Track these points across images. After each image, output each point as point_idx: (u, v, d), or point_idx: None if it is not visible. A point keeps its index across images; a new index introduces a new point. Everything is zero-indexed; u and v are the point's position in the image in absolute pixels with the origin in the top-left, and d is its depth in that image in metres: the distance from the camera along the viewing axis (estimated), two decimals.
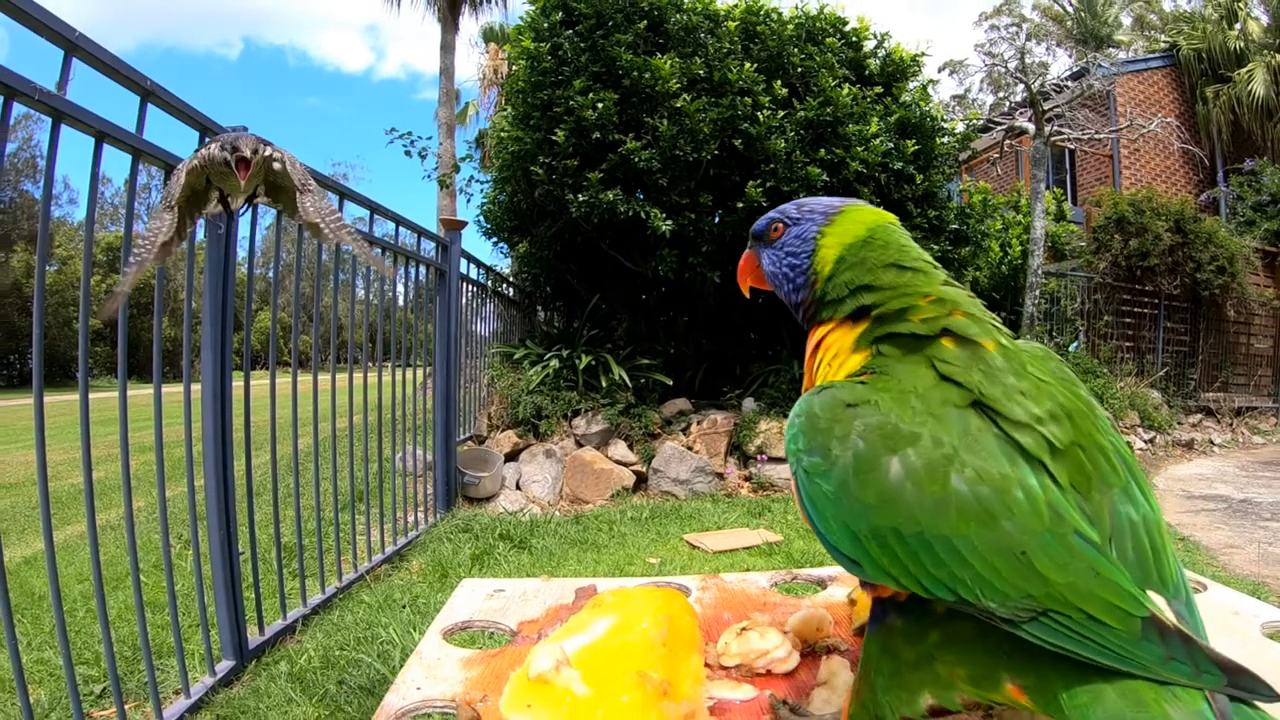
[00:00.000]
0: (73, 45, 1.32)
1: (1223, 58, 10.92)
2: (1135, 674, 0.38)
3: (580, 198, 4.11)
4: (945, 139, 5.02)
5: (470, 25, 19.28)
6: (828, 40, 4.62)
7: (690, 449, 4.33)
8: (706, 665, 0.64)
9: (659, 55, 4.22)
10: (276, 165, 1.07)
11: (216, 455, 1.84)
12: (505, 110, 4.89)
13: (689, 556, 2.94)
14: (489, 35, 15.50)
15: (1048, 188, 7.19)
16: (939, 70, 12.86)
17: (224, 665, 1.83)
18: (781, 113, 4.28)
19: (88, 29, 1.33)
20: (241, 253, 2.03)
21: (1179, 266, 7.14)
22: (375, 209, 2.65)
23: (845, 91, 4.36)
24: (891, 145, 4.48)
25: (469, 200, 6.21)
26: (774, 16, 4.66)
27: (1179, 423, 6.84)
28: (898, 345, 0.52)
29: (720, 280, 4.42)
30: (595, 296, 5.05)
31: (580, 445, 4.27)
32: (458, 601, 0.83)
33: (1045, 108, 6.49)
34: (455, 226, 3.79)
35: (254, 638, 1.96)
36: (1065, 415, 0.47)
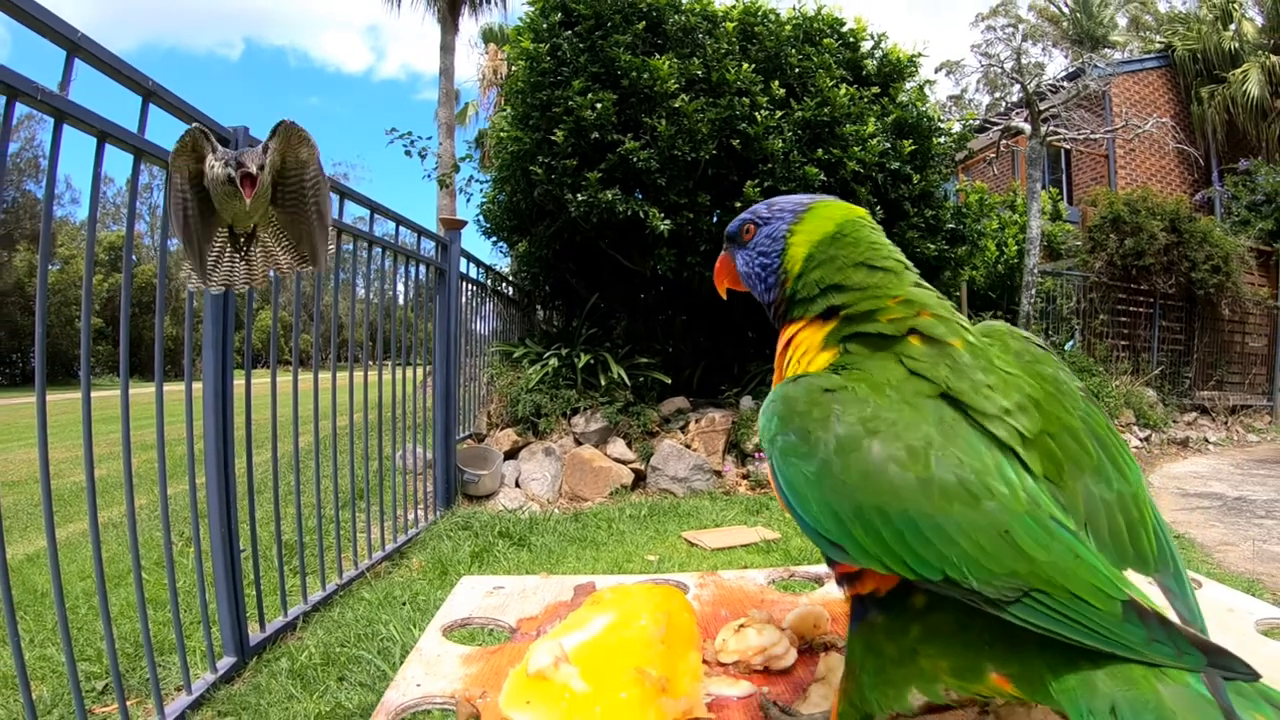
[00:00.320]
0: (75, 46, 1.32)
1: (1218, 58, 10.97)
2: (1120, 655, 0.38)
3: (579, 197, 4.13)
4: (942, 139, 5.05)
5: (470, 26, 19.27)
6: (825, 41, 4.65)
7: (688, 447, 4.35)
8: (704, 662, 0.64)
9: (657, 56, 4.24)
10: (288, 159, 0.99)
11: (218, 453, 1.85)
12: (505, 110, 4.91)
13: (687, 554, 2.96)
14: (488, 36, 15.51)
15: (1044, 187, 7.22)
16: (935, 71, 12.90)
17: (225, 662, 1.83)
18: (779, 113, 4.31)
19: (90, 29, 1.34)
20: None
21: (1174, 266, 7.19)
22: (375, 208, 2.66)
23: (842, 92, 4.39)
24: (888, 145, 4.50)
25: (469, 200, 6.22)
26: (772, 17, 4.68)
27: (1174, 421, 6.87)
28: (865, 344, 0.52)
29: None
30: (594, 295, 5.07)
31: (579, 443, 4.28)
32: (457, 598, 0.83)
33: (1041, 108, 6.52)
34: (455, 226, 3.80)
35: (255, 634, 1.96)
36: (1033, 404, 0.48)
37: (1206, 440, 6.63)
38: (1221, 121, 10.77)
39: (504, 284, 5.46)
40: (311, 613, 2.20)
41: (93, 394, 1.46)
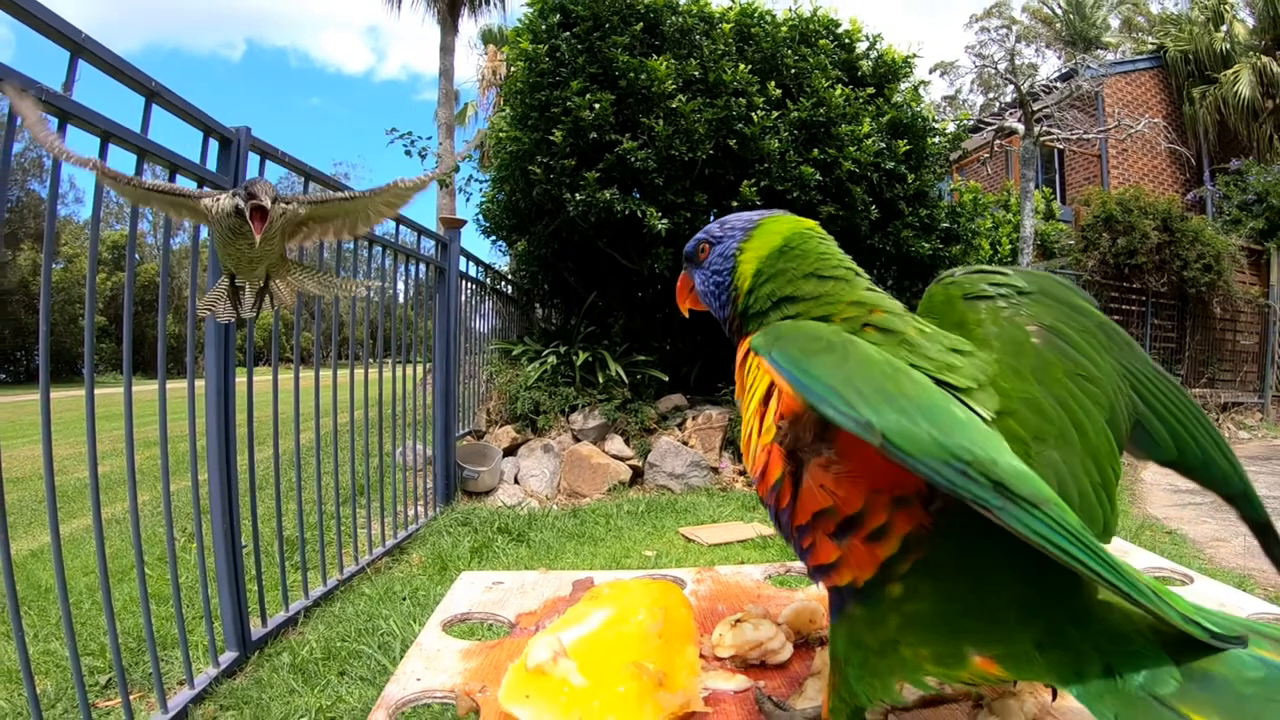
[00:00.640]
0: (79, 47, 1.33)
1: (1209, 59, 11.05)
2: (1120, 588, 0.36)
3: (577, 197, 4.16)
4: (936, 139, 5.09)
5: (469, 27, 19.30)
6: (821, 42, 4.69)
7: (686, 444, 4.39)
8: (701, 656, 0.65)
9: (655, 57, 4.27)
10: (300, 210, 0.83)
11: (220, 450, 1.86)
12: (504, 111, 4.92)
13: (684, 549, 2.96)
14: (488, 37, 15.54)
15: (1037, 187, 7.28)
16: (930, 71, 12.98)
17: (227, 656, 1.84)
18: (775, 113, 4.34)
19: (93, 30, 1.35)
20: None
21: (1166, 264, 7.25)
22: None
23: (838, 92, 4.42)
24: (883, 145, 4.55)
25: (468, 199, 6.22)
26: (768, 19, 4.71)
27: None
28: None
29: None
30: (592, 294, 5.09)
31: (577, 440, 4.31)
32: (457, 594, 0.84)
33: (1034, 108, 6.57)
34: (454, 225, 3.83)
35: (256, 629, 1.97)
36: (990, 383, 0.49)
37: None
38: (1213, 122, 10.85)
39: (503, 282, 5.48)
40: (312, 608, 2.21)
41: (96, 391, 1.46)
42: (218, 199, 0.78)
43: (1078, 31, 14.84)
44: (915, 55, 5.04)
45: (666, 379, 4.75)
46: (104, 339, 20.46)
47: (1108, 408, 0.52)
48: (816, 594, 0.81)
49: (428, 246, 3.44)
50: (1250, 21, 11.56)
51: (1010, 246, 7.35)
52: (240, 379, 1.96)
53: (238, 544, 1.92)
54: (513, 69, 4.78)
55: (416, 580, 2.50)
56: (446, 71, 12.31)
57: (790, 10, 4.88)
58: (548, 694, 0.54)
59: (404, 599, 2.29)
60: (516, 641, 0.69)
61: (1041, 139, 6.70)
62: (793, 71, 4.52)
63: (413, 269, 3.34)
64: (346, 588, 2.42)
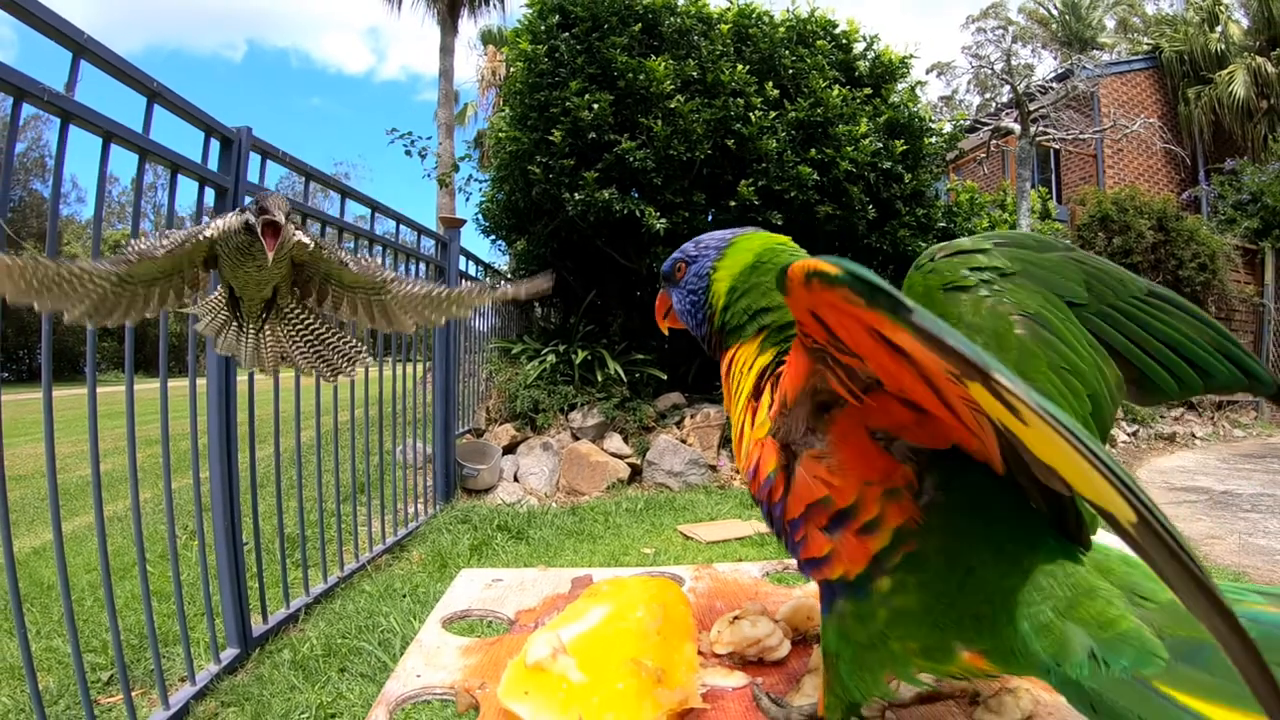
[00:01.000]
0: (81, 48, 1.33)
1: (1204, 60, 11.11)
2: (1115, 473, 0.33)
3: (576, 196, 4.18)
4: (933, 139, 5.12)
5: (469, 28, 19.33)
6: (818, 43, 4.71)
7: (684, 442, 4.41)
8: (700, 653, 0.65)
9: (653, 57, 4.29)
10: (305, 241, 0.74)
11: (221, 448, 1.87)
12: (503, 111, 4.94)
13: (683, 547, 2.97)
14: (487, 38, 15.58)
15: (1033, 187, 7.31)
16: (927, 72, 13.03)
17: (229, 653, 1.85)
18: (773, 113, 4.37)
19: (96, 31, 1.35)
20: None
21: (1161, 264, 7.30)
22: (376, 207, 2.70)
23: (835, 93, 4.45)
24: (880, 145, 4.57)
25: (468, 199, 6.24)
26: (766, 19, 4.74)
27: (1161, 416, 6.96)
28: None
29: None
30: (591, 293, 5.11)
31: (576, 438, 4.33)
32: (457, 591, 0.84)
33: (1031, 109, 6.61)
34: (454, 224, 3.84)
35: (258, 626, 1.97)
36: None
37: (1193, 435, 6.73)
38: (1208, 122, 10.91)
39: (503, 281, 5.49)
40: (313, 605, 2.22)
41: (98, 390, 1.47)
42: (224, 219, 0.71)
43: (1073, 32, 14.90)
44: (912, 56, 5.08)
45: (665, 377, 4.77)
46: (106, 338, 20.37)
47: (1090, 399, 0.52)
48: (814, 591, 0.82)
49: (428, 246, 3.46)
50: (1245, 22, 11.63)
51: None
52: (241, 377, 1.96)
53: (239, 541, 1.93)
54: (512, 69, 4.80)
55: (416, 577, 2.51)
56: (446, 72, 12.35)
57: (788, 11, 4.91)
58: (547, 690, 0.54)
59: (404, 596, 2.30)
60: (516, 638, 0.69)
61: (1037, 139, 6.73)
62: (790, 72, 4.55)
63: (413, 268, 3.35)
64: (347, 585, 2.43)
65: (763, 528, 3.21)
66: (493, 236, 5.63)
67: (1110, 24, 15.55)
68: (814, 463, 0.47)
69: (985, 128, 7.43)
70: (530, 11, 4.52)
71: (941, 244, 0.59)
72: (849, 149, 4.38)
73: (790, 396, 0.48)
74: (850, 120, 4.49)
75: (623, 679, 0.54)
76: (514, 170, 4.57)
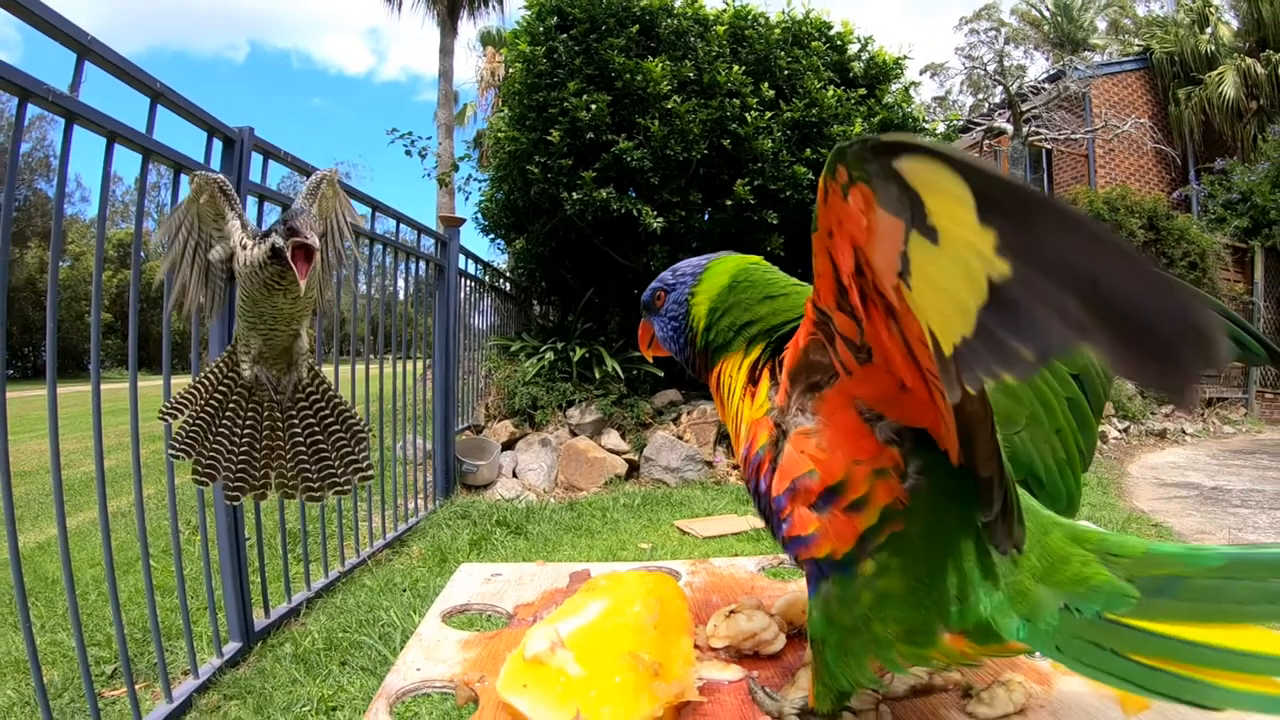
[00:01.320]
0: (85, 49, 1.34)
1: (1194, 61, 11.21)
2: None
3: (574, 196, 4.22)
4: (927, 139, 5.17)
5: (468, 29, 19.30)
6: (813, 44, 4.76)
7: (681, 438, 4.45)
8: (696, 647, 0.65)
9: (650, 58, 4.33)
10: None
11: None
12: (502, 111, 4.98)
13: (679, 542, 2.99)
14: (486, 39, 15.61)
15: None
16: (920, 73, 13.05)
17: (231, 647, 1.86)
18: (769, 114, 4.41)
19: (99, 32, 1.36)
20: None
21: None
22: (377, 206, 2.71)
23: (830, 93, 4.50)
24: None
25: (467, 198, 6.26)
26: (761, 21, 4.78)
27: (1152, 413, 7.02)
28: (786, 339, 0.53)
29: None
30: (589, 291, 5.14)
31: (574, 434, 4.36)
32: (456, 585, 0.84)
33: (1023, 109, 6.68)
34: (454, 224, 3.87)
35: (260, 620, 1.98)
36: None
37: (1184, 432, 6.79)
38: (1198, 122, 11.00)
39: (501, 280, 5.52)
40: (314, 599, 2.23)
41: (102, 387, 1.47)
42: (246, 247, 0.62)
43: (1065, 33, 15.00)
44: (906, 57, 5.13)
45: (662, 374, 4.80)
46: (110, 335, 20.41)
47: (1075, 380, 0.53)
48: None
49: (428, 244, 3.48)
50: (1235, 24, 11.73)
51: None
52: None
53: (241, 536, 1.94)
54: (511, 70, 4.84)
55: (416, 572, 2.52)
56: (446, 73, 12.38)
57: (783, 13, 4.96)
58: (545, 684, 0.54)
59: (404, 590, 2.31)
60: (514, 632, 0.70)
61: (1030, 139, 6.81)
62: (786, 73, 4.59)
63: (413, 266, 3.37)
64: (348, 579, 2.45)
65: (758, 523, 3.24)
66: (492, 235, 5.66)
67: (1102, 25, 15.67)
68: (803, 439, 0.48)
69: (978, 128, 7.50)
70: (529, 13, 4.56)
71: None
72: None
73: (789, 366, 0.50)
74: (845, 120, 4.54)
75: (620, 672, 0.55)
76: (513, 170, 4.61)
